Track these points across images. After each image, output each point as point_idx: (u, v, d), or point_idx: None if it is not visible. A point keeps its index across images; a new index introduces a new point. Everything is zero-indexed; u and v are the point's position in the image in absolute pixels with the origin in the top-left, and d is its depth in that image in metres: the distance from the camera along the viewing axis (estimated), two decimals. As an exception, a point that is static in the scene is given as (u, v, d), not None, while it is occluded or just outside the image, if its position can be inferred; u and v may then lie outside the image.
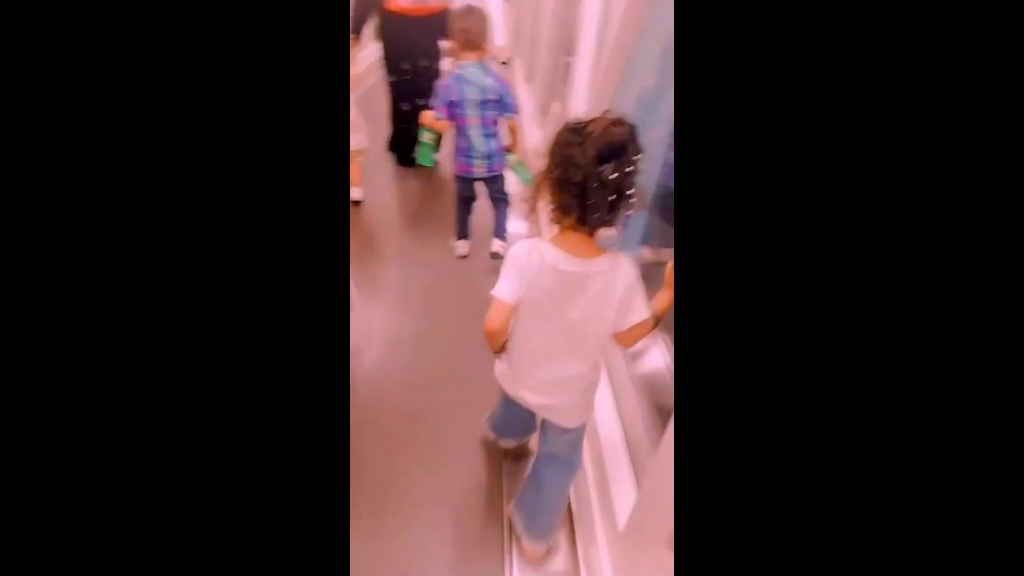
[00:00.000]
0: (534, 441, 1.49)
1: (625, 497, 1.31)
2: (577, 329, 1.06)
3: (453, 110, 2.33)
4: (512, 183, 2.61)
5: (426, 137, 2.52)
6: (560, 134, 0.95)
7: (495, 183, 2.57)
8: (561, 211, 0.98)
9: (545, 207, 1.02)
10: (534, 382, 1.16)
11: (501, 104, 2.35)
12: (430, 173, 3.54)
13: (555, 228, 1.03)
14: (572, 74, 2.37)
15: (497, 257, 2.69)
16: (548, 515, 1.32)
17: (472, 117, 2.34)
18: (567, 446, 1.26)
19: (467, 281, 2.58)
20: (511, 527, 1.43)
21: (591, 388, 1.19)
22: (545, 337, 1.09)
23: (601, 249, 1.01)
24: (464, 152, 2.43)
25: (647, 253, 1.65)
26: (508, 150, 2.50)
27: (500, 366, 1.25)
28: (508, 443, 1.63)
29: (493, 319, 1.06)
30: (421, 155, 2.60)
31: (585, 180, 0.90)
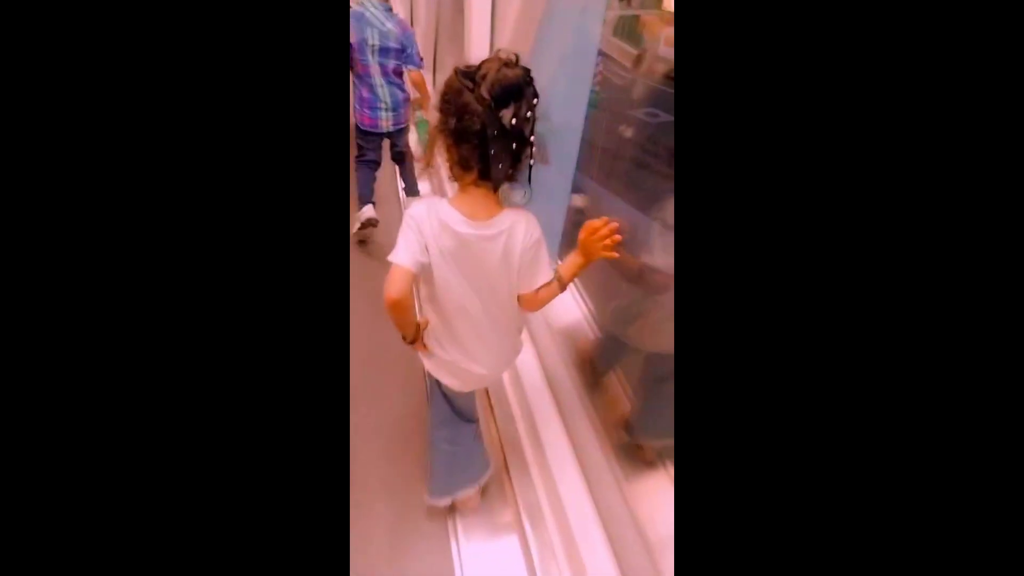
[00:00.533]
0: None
1: (555, 440, 1.34)
2: (490, 294, 1.01)
3: (351, 55, 2.10)
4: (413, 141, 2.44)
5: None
6: (450, 81, 0.88)
7: (400, 137, 2.37)
8: (461, 166, 0.91)
9: (443, 164, 0.96)
10: (479, 357, 1.10)
11: (404, 54, 2.17)
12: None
13: (455, 186, 0.97)
14: (467, 15, 2.02)
15: None
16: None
17: (373, 64, 2.13)
18: None
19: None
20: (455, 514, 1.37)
21: (519, 347, 1.17)
22: (462, 306, 1.02)
23: (500, 207, 0.96)
24: (368, 104, 2.21)
25: (579, 200, 1.58)
26: (416, 105, 2.32)
27: (428, 361, 1.16)
28: (465, 492, 1.33)
29: (393, 286, 0.92)
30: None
31: (484, 128, 0.84)
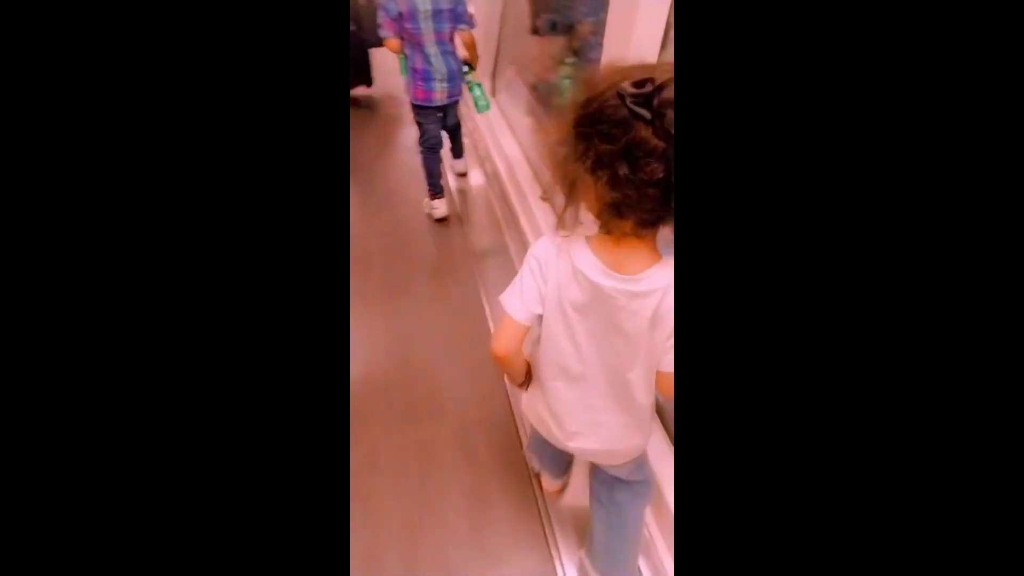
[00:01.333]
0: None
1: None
2: (616, 366, 0.78)
3: (403, 25, 1.87)
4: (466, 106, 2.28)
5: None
6: (605, 102, 0.57)
7: (453, 109, 2.18)
8: (615, 211, 0.63)
9: (580, 210, 0.67)
10: (566, 424, 0.88)
11: (454, 15, 1.91)
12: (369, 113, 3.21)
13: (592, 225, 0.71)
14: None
15: (463, 175, 2.50)
16: (632, 550, 1.06)
17: (427, 32, 1.89)
18: (630, 471, 0.97)
19: (448, 257, 2.15)
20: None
21: (642, 432, 0.87)
22: (564, 367, 0.81)
23: (659, 256, 0.69)
24: (423, 75, 1.98)
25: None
26: (466, 63, 2.09)
27: (527, 398, 0.97)
28: (552, 483, 1.25)
29: (501, 341, 0.80)
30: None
31: (668, 176, 0.56)
